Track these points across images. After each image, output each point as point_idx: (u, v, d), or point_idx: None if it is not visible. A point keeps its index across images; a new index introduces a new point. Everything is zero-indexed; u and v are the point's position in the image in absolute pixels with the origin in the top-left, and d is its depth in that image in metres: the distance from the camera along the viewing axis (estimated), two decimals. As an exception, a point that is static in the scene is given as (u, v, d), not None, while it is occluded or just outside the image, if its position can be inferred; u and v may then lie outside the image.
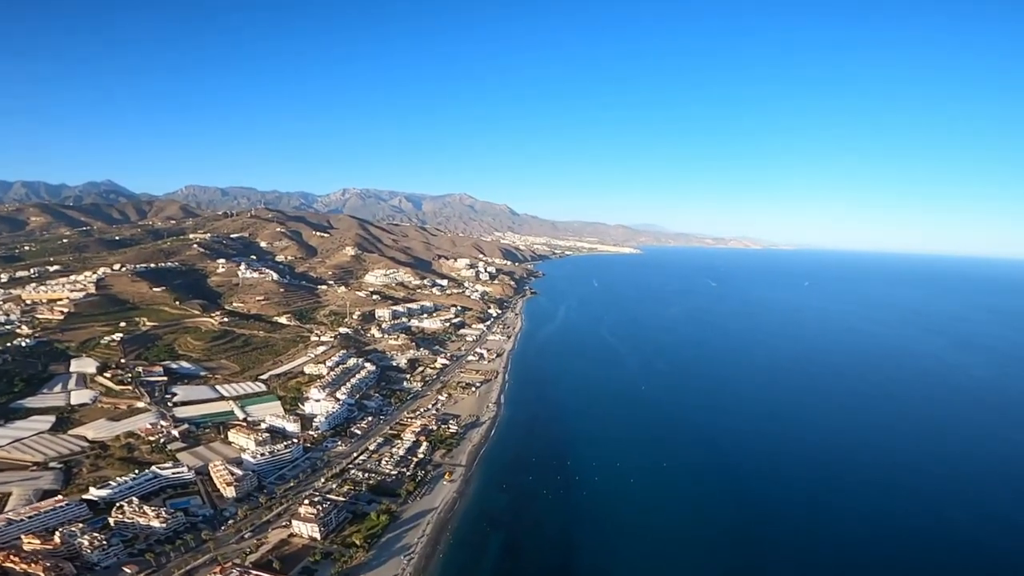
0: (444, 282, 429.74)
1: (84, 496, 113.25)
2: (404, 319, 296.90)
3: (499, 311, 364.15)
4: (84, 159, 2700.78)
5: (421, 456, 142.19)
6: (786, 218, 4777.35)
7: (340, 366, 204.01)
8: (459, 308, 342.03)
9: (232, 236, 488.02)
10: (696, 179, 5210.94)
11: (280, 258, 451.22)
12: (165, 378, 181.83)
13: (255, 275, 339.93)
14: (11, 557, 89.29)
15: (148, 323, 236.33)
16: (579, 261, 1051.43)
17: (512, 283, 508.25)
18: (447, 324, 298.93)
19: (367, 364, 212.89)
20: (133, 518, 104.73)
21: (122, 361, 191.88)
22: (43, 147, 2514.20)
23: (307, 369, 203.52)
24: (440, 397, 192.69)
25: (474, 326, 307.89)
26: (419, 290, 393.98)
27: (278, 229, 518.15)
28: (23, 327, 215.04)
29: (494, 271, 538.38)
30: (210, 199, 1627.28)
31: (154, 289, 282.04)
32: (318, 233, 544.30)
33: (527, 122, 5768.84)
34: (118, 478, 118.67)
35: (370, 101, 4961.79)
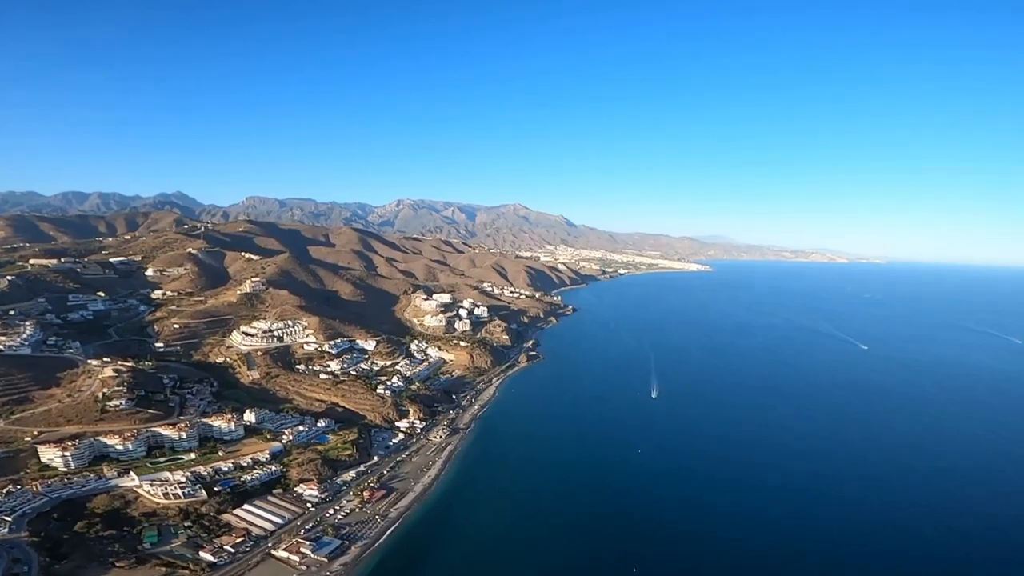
0: (371, 344, 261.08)
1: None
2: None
3: (420, 420, 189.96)
4: (161, 172, 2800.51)
5: None
6: (869, 228, 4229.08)
7: None
8: (302, 433, 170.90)
9: (120, 260, 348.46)
10: (769, 185, 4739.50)
11: (158, 293, 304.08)
12: None
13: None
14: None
15: None
16: (633, 284, 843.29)
17: (506, 335, 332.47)
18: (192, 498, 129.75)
19: None
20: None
21: None
22: (122, 160, 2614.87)
23: None
24: None
25: (304, 487, 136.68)
26: (301, 365, 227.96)
27: (189, 251, 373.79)
28: None
29: (484, 313, 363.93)
30: (268, 210, 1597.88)
31: None
32: (247, 255, 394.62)
33: (584, 129, 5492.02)
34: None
35: (428, 111, 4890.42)
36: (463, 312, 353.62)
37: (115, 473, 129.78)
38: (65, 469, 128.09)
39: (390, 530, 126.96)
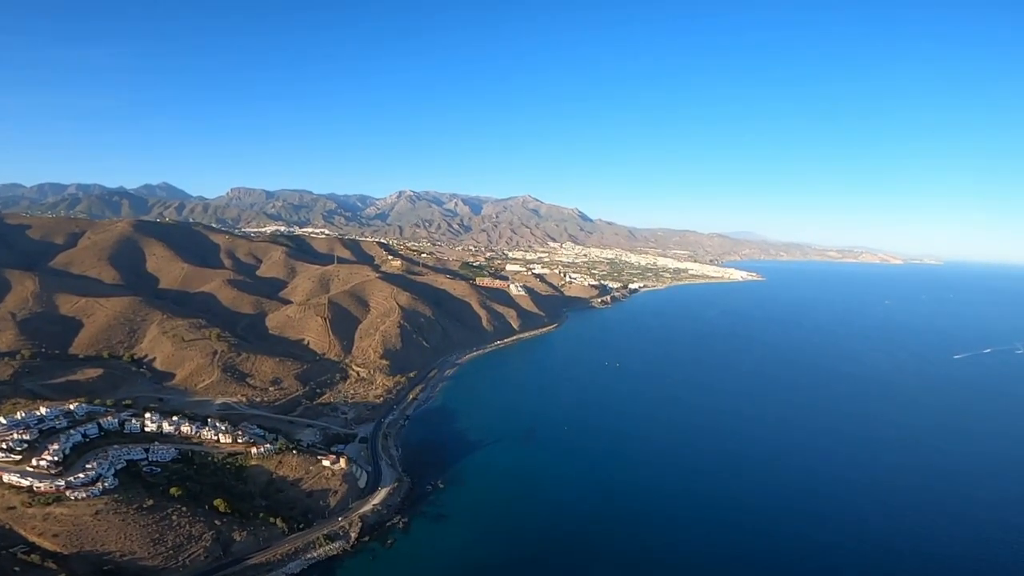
0: None
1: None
2: None
3: None
4: (145, 162, 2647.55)
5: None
6: (919, 226, 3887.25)
7: None
8: None
9: None
10: (804, 177, 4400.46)
11: None
12: None
13: None
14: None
15: None
16: (655, 313, 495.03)
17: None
18: None
19: None
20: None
21: None
22: (104, 150, 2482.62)
23: None
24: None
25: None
26: None
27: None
28: None
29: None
30: (253, 202, 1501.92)
31: None
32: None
33: (602, 116, 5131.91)
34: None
35: (438, 102, 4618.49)
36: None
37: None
38: None
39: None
